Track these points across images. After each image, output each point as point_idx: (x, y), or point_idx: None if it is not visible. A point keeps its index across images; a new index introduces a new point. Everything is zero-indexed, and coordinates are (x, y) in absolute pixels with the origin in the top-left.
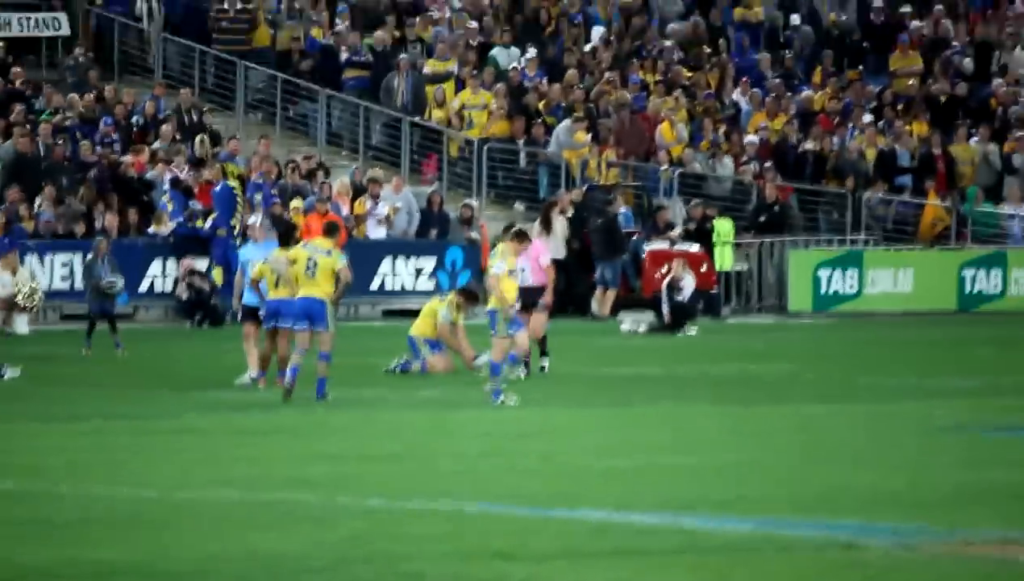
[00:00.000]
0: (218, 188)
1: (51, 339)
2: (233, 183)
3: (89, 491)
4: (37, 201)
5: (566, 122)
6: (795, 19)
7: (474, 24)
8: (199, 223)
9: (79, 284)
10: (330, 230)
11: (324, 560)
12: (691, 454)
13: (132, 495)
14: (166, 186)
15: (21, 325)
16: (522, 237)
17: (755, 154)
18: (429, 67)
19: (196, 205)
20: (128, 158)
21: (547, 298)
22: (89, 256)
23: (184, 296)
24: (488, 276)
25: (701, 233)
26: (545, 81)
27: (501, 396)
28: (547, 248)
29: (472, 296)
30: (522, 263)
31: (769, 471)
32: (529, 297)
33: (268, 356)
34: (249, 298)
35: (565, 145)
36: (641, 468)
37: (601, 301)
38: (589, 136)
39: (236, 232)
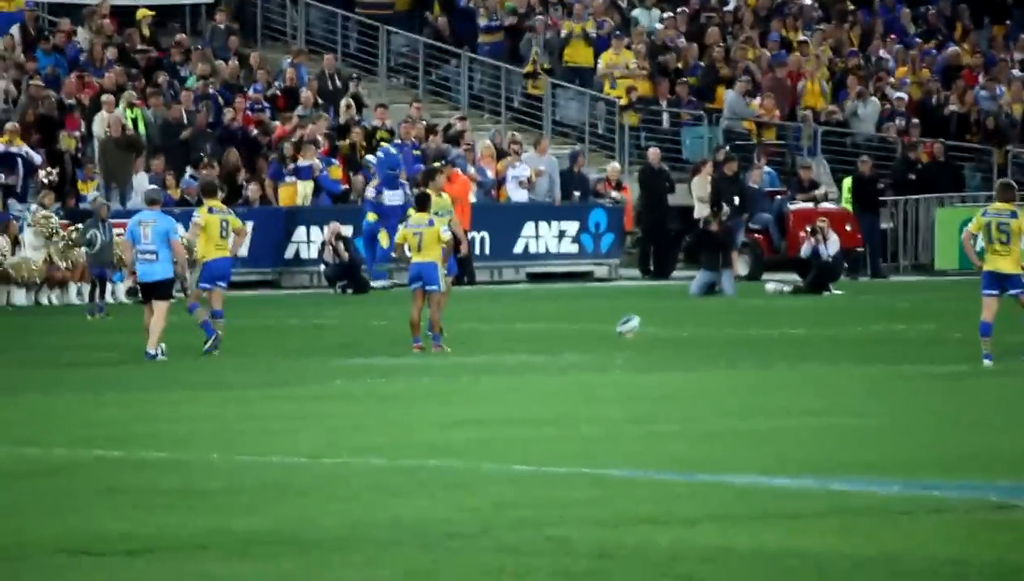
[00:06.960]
0: (381, 153)
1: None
2: (392, 148)
3: (238, 459)
4: (187, 169)
5: (734, 93)
6: None
7: None
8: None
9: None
10: (423, 202)
11: (470, 526)
12: (836, 416)
13: (280, 463)
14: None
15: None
16: (1010, 190)
17: (901, 110)
18: (566, 28)
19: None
20: (272, 124)
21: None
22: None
23: (330, 261)
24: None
25: (868, 193)
26: (683, 40)
27: (990, 360)
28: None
29: (426, 197)
30: None
31: (916, 432)
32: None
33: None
34: (146, 272)
35: (739, 113)
36: (786, 431)
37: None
38: (758, 101)
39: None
